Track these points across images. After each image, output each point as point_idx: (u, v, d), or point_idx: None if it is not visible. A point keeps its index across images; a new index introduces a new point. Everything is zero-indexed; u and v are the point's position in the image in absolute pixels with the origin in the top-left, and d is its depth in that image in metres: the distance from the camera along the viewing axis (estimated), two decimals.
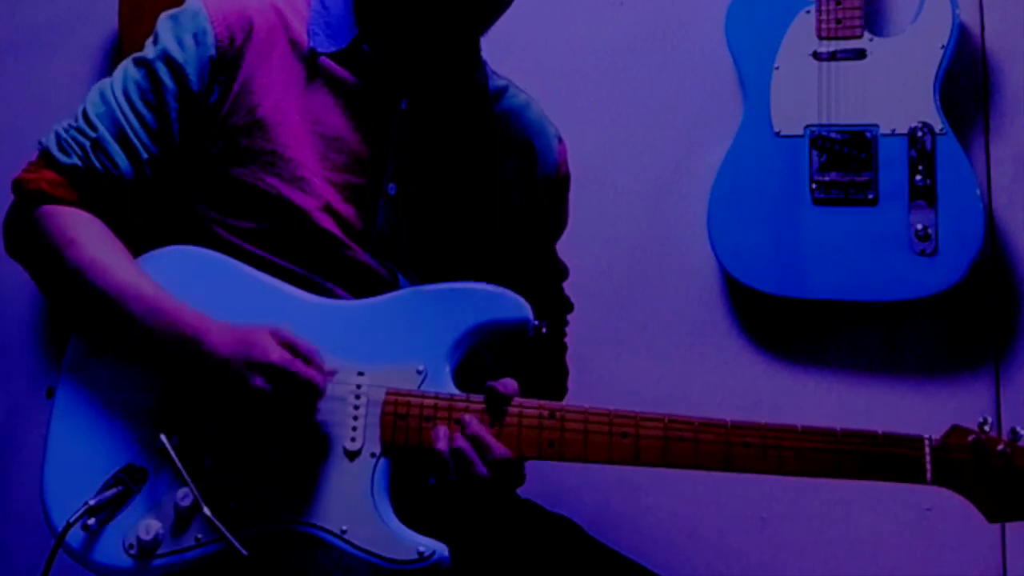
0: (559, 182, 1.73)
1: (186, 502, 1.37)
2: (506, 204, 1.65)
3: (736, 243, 2.21)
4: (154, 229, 1.57)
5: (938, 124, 2.09)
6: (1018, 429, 1.37)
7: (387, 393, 1.41)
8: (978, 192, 2.07)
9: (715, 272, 2.30)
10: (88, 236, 1.46)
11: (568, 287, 1.84)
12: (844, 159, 2.14)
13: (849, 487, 2.19)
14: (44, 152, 1.51)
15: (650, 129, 2.36)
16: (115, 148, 1.49)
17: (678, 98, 2.35)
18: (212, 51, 1.50)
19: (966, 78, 2.18)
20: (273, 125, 1.50)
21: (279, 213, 1.49)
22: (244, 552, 1.34)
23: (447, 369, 1.43)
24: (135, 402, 1.43)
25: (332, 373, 1.40)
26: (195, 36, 1.50)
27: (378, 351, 1.43)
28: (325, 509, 1.37)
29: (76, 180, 1.48)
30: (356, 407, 1.41)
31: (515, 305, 1.45)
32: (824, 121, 2.15)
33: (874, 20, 2.19)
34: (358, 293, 1.50)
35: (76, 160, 1.48)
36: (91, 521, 1.36)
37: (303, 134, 1.52)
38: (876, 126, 2.13)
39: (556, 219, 1.77)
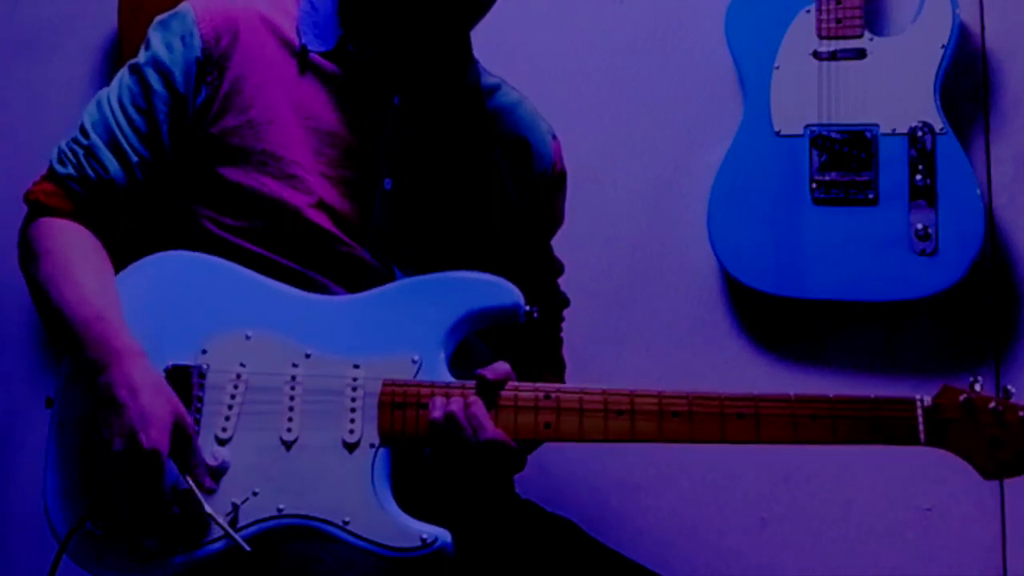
0: (555, 179, 1.74)
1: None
2: (502, 200, 1.66)
3: (736, 243, 2.20)
4: (149, 234, 1.59)
5: (938, 124, 2.09)
6: (1010, 387, 1.40)
7: (383, 384, 1.42)
8: (978, 192, 2.07)
9: (715, 272, 2.30)
10: (62, 248, 1.49)
11: (569, 287, 1.84)
12: (844, 159, 2.14)
13: (849, 487, 2.21)
14: (50, 166, 1.55)
15: (650, 129, 2.36)
16: (106, 154, 1.53)
17: (678, 98, 2.35)
18: (198, 52, 1.53)
19: (966, 78, 2.18)
20: (264, 124, 1.52)
21: (272, 211, 1.51)
22: (247, 548, 1.35)
23: (442, 357, 1.44)
24: None
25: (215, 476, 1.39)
26: (182, 39, 1.54)
27: (373, 343, 1.45)
28: (326, 502, 1.38)
29: (70, 189, 1.53)
30: (353, 399, 1.42)
31: (506, 291, 1.46)
32: (824, 121, 2.15)
33: (874, 20, 2.19)
34: (353, 288, 1.51)
35: (71, 169, 1.53)
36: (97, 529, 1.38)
37: (297, 131, 1.53)
38: (876, 126, 2.13)
39: (552, 216, 1.78)
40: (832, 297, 2.16)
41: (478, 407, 1.40)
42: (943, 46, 2.09)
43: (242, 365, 1.45)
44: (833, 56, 2.14)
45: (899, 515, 2.19)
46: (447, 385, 1.43)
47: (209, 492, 1.38)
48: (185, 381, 1.43)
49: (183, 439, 1.37)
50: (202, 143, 1.53)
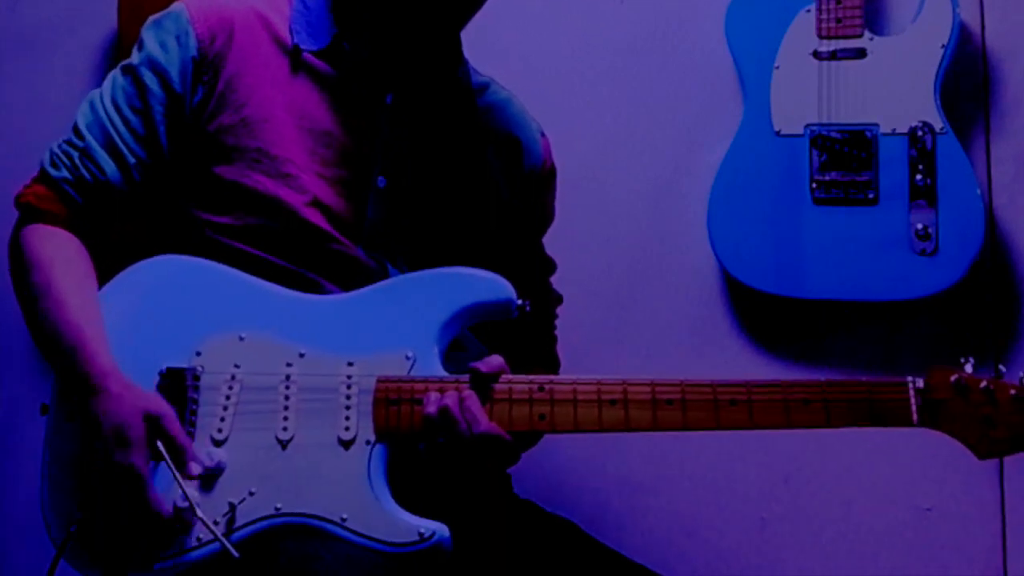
0: (545, 176, 1.75)
1: (184, 503, 1.37)
2: (494, 198, 1.67)
3: (736, 243, 2.20)
4: (144, 236, 1.60)
5: (938, 123, 2.09)
6: (1001, 367, 1.41)
7: (378, 381, 1.43)
8: (978, 192, 2.07)
9: (715, 272, 2.30)
10: (48, 262, 1.48)
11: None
12: (844, 158, 2.13)
13: (849, 487, 2.21)
14: (41, 168, 1.55)
15: (650, 129, 2.36)
16: (103, 155, 1.52)
17: (678, 98, 2.35)
18: (194, 52, 1.53)
19: (966, 78, 2.17)
20: (259, 122, 1.53)
21: (266, 210, 1.51)
22: (236, 555, 1.35)
23: (435, 352, 1.45)
24: None
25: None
26: (177, 38, 1.54)
27: (366, 340, 1.45)
28: (323, 499, 1.39)
29: (64, 193, 1.52)
30: (348, 397, 1.43)
31: (498, 285, 1.47)
32: (824, 120, 2.15)
33: (874, 19, 2.19)
34: (347, 287, 1.52)
35: (65, 172, 1.52)
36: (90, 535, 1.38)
37: (291, 130, 1.54)
38: (876, 125, 2.12)
39: (543, 213, 1.79)
40: (832, 297, 2.16)
41: (472, 401, 1.40)
42: (943, 46, 2.08)
43: (236, 366, 1.45)
44: (833, 56, 2.14)
45: (899, 515, 2.19)
46: (441, 380, 1.43)
47: (205, 487, 1.39)
48: (180, 383, 1.44)
49: (172, 447, 1.37)
50: (198, 142, 1.53)
